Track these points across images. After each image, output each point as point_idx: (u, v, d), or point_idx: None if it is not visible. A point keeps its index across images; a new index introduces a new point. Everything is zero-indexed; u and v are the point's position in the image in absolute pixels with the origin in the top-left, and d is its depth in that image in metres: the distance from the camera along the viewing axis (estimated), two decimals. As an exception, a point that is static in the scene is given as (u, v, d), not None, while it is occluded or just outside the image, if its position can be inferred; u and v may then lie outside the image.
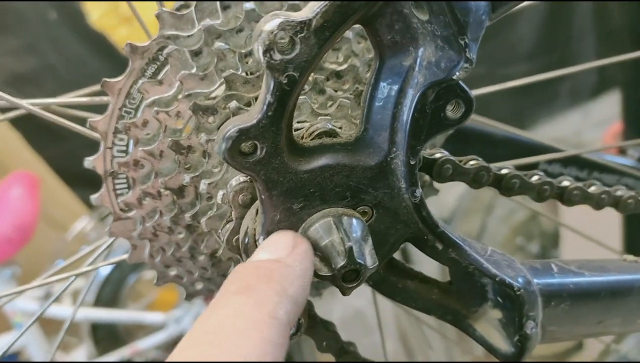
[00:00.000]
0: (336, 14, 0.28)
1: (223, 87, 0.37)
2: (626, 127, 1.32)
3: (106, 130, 0.38)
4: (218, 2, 0.37)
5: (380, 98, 0.32)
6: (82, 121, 0.44)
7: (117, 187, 0.40)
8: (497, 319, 0.39)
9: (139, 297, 2.13)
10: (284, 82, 0.29)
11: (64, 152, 2.39)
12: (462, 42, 0.28)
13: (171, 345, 1.95)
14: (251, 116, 0.30)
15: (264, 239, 0.33)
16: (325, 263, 0.32)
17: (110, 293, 1.95)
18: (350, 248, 0.31)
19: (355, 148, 0.33)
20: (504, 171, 0.41)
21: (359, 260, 0.31)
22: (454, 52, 0.29)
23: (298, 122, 0.37)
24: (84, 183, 2.40)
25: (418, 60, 0.30)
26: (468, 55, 0.28)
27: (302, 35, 0.28)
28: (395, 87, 0.32)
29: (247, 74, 0.37)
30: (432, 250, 0.37)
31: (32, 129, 2.24)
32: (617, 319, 0.43)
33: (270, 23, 0.28)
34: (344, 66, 0.39)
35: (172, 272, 0.44)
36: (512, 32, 2.41)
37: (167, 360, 0.27)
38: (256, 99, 0.38)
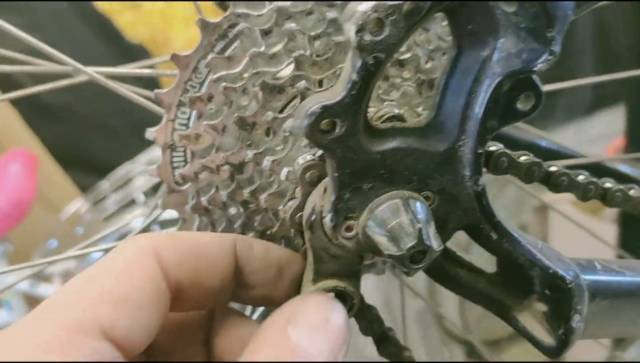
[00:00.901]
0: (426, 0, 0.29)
1: (290, 67, 0.38)
2: (629, 143, 1.34)
3: (171, 102, 0.39)
4: (290, -17, 0.37)
5: (454, 85, 0.33)
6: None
7: (175, 160, 0.41)
8: (542, 312, 0.40)
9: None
10: (371, 62, 0.30)
11: (60, 133, 2.37)
12: (549, 35, 0.29)
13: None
14: (334, 94, 0.31)
15: (331, 217, 0.34)
16: (393, 243, 0.32)
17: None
18: (420, 229, 0.32)
19: (425, 133, 0.34)
20: (553, 168, 0.42)
21: (427, 242, 0.32)
22: (539, 44, 0.30)
23: (365, 106, 0.38)
24: (78, 165, 2.39)
25: (497, 50, 0.31)
26: (553, 48, 0.29)
27: (393, 18, 0.29)
28: (471, 76, 0.32)
29: (313, 56, 0.38)
30: (485, 240, 0.38)
31: (29, 108, 2.22)
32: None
33: (364, 4, 0.28)
34: (407, 55, 0.40)
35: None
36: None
37: None
38: (320, 82, 0.39)
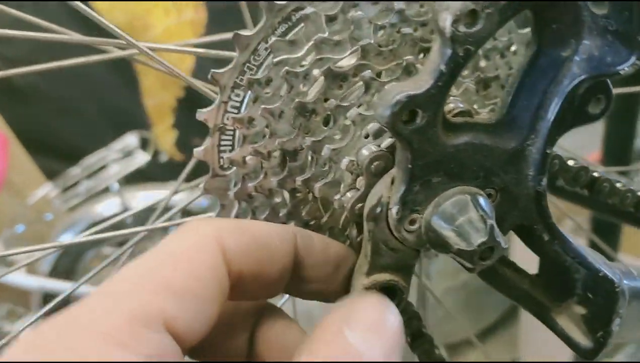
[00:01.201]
0: (520, -3, 0.29)
1: (353, 55, 0.37)
2: (605, 156, 1.37)
3: (226, 83, 0.37)
4: (358, -29, 0.37)
5: (529, 84, 0.33)
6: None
7: (222, 143, 0.39)
8: (581, 315, 0.40)
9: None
10: (461, 54, 0.29)
11: (27, 116, 2.28)
12: (641, 39, 0.29)
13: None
14: (419, 84, 0.30)
15: (397, 209, 0.33)
16: (462, 239, 0.32)
17: (67, 264, 1.88)
18: (492, 225, 0.32)
19: (495, 130, 0.34)
20: (596, 174, 0.43)
21: (497, 239, 0.32)
22: (627, 48, 0.30)
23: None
24: (45, 150, 2.30)
25: (578, 51, 0.31)
26: (644, 52, 0.30)
27: (489, 11, 0.29)
28: (549, 76, 0.32)
29: (379, 46, 0.37)
30: (537, 240, 0.38)
31: (-1, 89, 2.13)
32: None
33: (464, -6, 0.28)
34: None
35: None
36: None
37: None
38: (378, 74, 0.38)
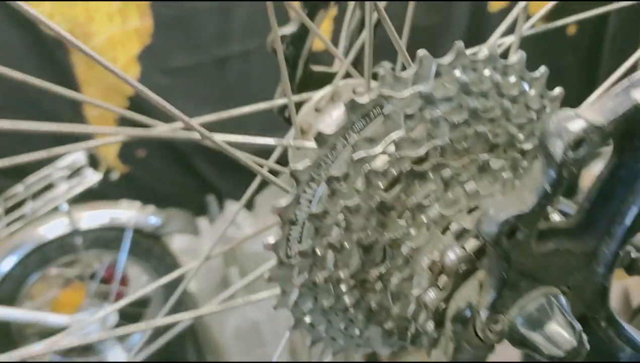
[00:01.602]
0: (623, 125, 0.31)
1: (430, 153, 0.38)
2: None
3: (304, 178, 0.37)
4: (434, 68, 0.37)
5: (608, 191, 0.35)
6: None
7: (291, 234, 0.39)
8: (623, 388, 0.43)
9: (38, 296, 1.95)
10: (564, 176, 0.31)
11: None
12: None
13: (73, 349, 1.82)
14: (522, 202, 0.31)
15: (487, 314, 0.34)
16: (552, 345, 0.34)
17: (9, 290, 1.77)
18: (580, 332, 0.34)
19: (574, 233, 0.36)
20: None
21: (585, 344, 0.34)
22: None
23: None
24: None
25: (659, 167, 0.34)
26: None
27: (594, 138, 0.30)
28: (628, 186, 0.34)
29: (453, 143, 0.38)
30: (594, 325, 0.40)
31: None
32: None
33: (575, 123, 0.29)
34: (503, 138, 0.41)
35: (308, 319, 0.43)
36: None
37: None
38: (455, 172, 0.39)
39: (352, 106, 0.36)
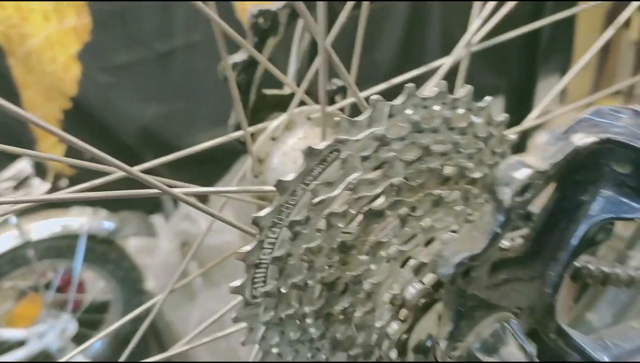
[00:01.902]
0: (564, 168, 0.33)
1: (386, 192, 0.39)
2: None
3: (265, 225, 0.38)
4: (387, 110, 0.39)
5: (552, 221, 0.38)
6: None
7: (256, 276, 0.40)
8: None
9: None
10: (512, 218, 0.33)
11: None
12: (655, 199, 0.35)
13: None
14: (475, 244, 0.33)
15: (447, 344, 0.36)
16: (505, 366, 0.36)
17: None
18: (531, 353, 0.36)
19: (524, 261, 0.38)
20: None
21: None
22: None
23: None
24: None
25: (597, 198, 0.36)
26: (655, 208, 0.35)
27: (538, 181, 0.32)
28: (570, 216, 0.37)
29: (407, 180, 0.40)
30: (545, 338, 0.43)
31: None
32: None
33: (521, 172, 0.32)
34: (453, 171, 0.43)
35: (275, 350, 0.45)
36: (370, 58, 2.60)
37: None
38: (411, 208, 0.41)
39: (309, 153, 0.37)
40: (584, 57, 0.54)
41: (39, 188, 1.62)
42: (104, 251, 1.86)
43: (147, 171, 0.41)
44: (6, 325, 1.86)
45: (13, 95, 2.14)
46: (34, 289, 1.88)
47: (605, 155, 0.34)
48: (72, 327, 1.88)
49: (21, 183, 1.67)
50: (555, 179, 0.34)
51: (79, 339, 1.88)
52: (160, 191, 0.37)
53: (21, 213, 1.66)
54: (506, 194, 0.32)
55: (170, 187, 0.38)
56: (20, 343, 1.81)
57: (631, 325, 0.55)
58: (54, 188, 1.74)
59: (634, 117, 0.34)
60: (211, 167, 2.13)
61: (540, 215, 0.38)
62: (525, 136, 1.40)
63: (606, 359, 0.44)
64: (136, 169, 0.39)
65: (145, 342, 2.20)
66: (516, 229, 0.44)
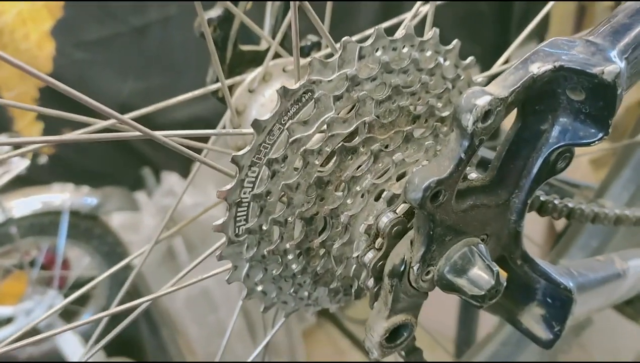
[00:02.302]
0: (521, 94, 0.35)
1: (359, 129, 0.41)
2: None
3: (245, 163, 0.40)
4: (357, 51, 0.41)
5: (514, 151, 0.40)
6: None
7: (238, 215, 0.42)
8: (540, 315, 0.50)
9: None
10: (476, 143, 0.35)
11: None
12: (610, 121, 0.37)
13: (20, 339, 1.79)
14: (442, 169, 0.36)
15: (418, 267, 0.39)
16: (475, 286, 0.39)
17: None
18: (497, 272, 0.39)
19: (489, 189, 0.41)
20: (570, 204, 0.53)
21: (502, 282, 0.39)
22: (597, 126, 0.38)
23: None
24: None
25: (555, 126, 0.39)
26: (609, 131, 0.37)
27: (499, 108, 0.35)
28: (531, 144, 0.40)
29: (379, 118, 0.42)
30: (512, 264, 0.46)
31: None
32: (598, 303, 0.57)
33: (482, 99, 0.34)
34: (424, 109, 0.45)
35: (259, 288, 0.47)
36: (352, 25, 2.61)
37: None
38: (383, 145, 0.43)
39: (284, 93, 0.39)
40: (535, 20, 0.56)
41: (18, 165, 1.61)
42: (87, 227, 1.86)
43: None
44: (-8, 303, 1.87)
45: (-14, 75, 2.12)
46: (18, 267, 1.88)
47: (561, 83, 0.37)
48: (60, 302, 1.89)
49: (0, 161, 1.66)
50: (515, 106, 0.36)
51: (66, 315, 1.89)
52: (143, 134, 0.38)
53: (2, 190, 1.65)
54: (469, 120, 0.34)
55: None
56: (8, 321, 1.82)
57: (597, 258, 0.58)
58: (33, 165, 1.73)
59: (586, 46, 0.36)
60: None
61: (503, 145, 0.40)
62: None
63: (571, 284, 0.47)
64: (125, 117, 0.40)
65: (135, 319, 2.21)
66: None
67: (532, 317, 0.50)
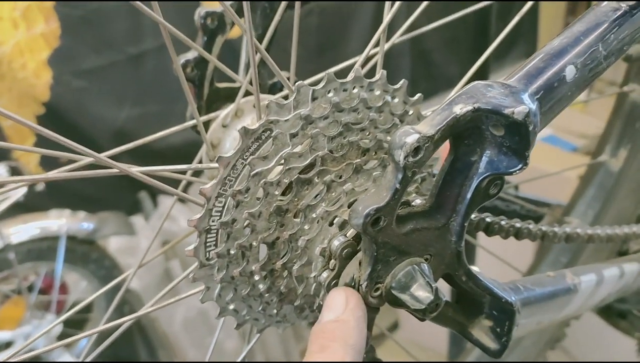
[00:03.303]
0: (447, 132, 0.41)
1: (314, 163, 0.47)
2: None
3: (211, 195, 0.45)
4: (310, 94, 0.46)
5: (449, 180, 0.45)
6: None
7: (208, 241, 0.47)
8: (488, 326, 0.54)
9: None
10: (409, 175, 0.41)
11: None
12: (527, 153, 0.42)
13: (18, 363, 1.82)
14: (380, 198, 0.41)
15: (366, 285, 0.44)
16: (416, 301, 0.44)
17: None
18: (436, 288, 0.44)
19: (429, 214, 0.46)
20: (488, 219, 0.57)
21: (441, 297, 0.44)
22: (517, 158, 0.43)
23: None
24: None
25: (483, 157, 0.44)
26: (527, 162, 0.43)
27: (427, 144, 0.40)
28: (463, 174, 0.45)
29: (332, 152, 0.47)
30: (458, 281, 0.51)
31: None
32: (548, 316, 0.62)
33: (411, 137, 0.39)
34: (372, 144, 0.51)
35: (231, 307, 0.52)
36: (343, 52, 2.69)
37: None
38: (336, 175, 0.48)
39: (245, 132, 0.44)
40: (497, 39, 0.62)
41: (17, 192, 1.66)
42: (84, 251, 1.91)
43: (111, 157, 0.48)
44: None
45: (-15, 102, 2.18)
46: (17, 292, 1.92)
47: (484, 121, 0.42)
48: (58, 327, 1.93)
49: (-1, 188, 1.71)
50: (442, 142, 0.41)
51: (64, 339, 1.92)
52: (120, 171, 0.44)
53: (0, 217, 1.70)
54: (400, 156, 0.39)
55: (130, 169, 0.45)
56: (7, 345, 1.85)
57: (548, 274, 0.63)
58: (31, 192, 1.78)
59: (502, 89, 0.42)
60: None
61: (439, 174, 0.45)
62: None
63: (513, 298, 0.52)
64: (102, 155, 0.46)
65: (131, 338, 2.25)
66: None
67: (482, 329, 0.55)
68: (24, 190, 1.71)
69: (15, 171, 1.85)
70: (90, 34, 2.31)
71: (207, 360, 0.65)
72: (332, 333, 0.41)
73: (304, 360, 0.40)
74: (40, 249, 1.81)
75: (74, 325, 2.00)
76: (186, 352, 2.36)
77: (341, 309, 0.43)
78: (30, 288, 1.90)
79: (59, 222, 1.84)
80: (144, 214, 2.46)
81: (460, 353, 1.74)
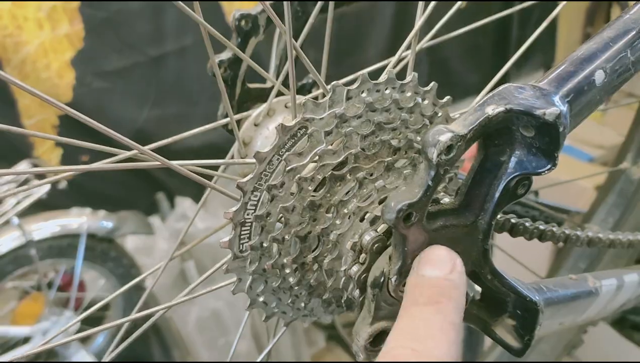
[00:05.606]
0: (479, 132, 0.42)
1: (347, 160, 0.48)
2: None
3: (248, 189, 0.47)
4: (345, 93, 0.48)
5: (479, 179, 0.47)
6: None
7: (242, 233, 0.49)
8: (512, 325, 0.55)
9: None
10: (441, 172, 0.42)
11: None
12: (556, 154, 0.44)
13: (36, 357, 1.85)
14: (412, 194, 0.42)
15: (396, 279, 0.45)
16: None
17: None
18: (471, 283, 0.45)
19: (458, 212, 0.47)
20: (513, 220, 0.58)
21: (477, 289, 0.46)
22: (546, 159, 0.44)
23: (403, 189, 0.50)
24: None
25: (512, 157, 0.45)
26: (556, 162, 0.44)
27: (459, 143, 0.42)
28: (492, 173, 0.46)
29: (364, 150, 0.49)
30: (483, 279, 0.52)
31: None
32: (569, 318, 0.63)
33: (445, 135, 0.41)
34: (402, 143, 0.52)
35: (261, 299, 0.53)
36: (361, 56, 2.71)
37: (376, 360, 0.39)
38: (368, 173, 0.50)
39: (282, 129, 0.46)
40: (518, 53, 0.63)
41: (40, 189, 1.70)
42: (103, 249, 1.94)
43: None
44: (11, 323, 1.94)
45: (10, 103, 2.22)
46: (36, 288, 1.96)
47: (514, 122, 0.43)
48: (75, 325, 1.95)
49: (22, 185, 1.75)
50: (474, 141, 0.43)
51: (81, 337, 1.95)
52: (162, 163, 0.45)
53: (23, 214, 1.74)
54: (434, 153, 0.41)
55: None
56: (25, 340, 1.88)
57: (570, 276, 0.64)
58: (53, 190, 1.82)
59: (533, 91, 0.43)
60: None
61: (469, 174, 0.47)
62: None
63: (537, 298, 0.53)
64: (146, 148, 0.48)
65: (146, 340, 2.27)
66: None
67: (505, 328, 0.56)
68: (47, 187, 1.74)
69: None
70: (113, 36, 2.35)
71: (228, 361, 0.67)
72: (443, 289, 0.42)
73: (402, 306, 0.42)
74: (60, 246, 1.85)
75: (91, 322, 2.02)
76: (199, 352, 2.38)
77: (448, 268, 0.43)
78: (49, 285, 1.94)
79: (79, 219, 1.87)
80: (160, 215, 2.49)
81: (475, 358, 1.74)
